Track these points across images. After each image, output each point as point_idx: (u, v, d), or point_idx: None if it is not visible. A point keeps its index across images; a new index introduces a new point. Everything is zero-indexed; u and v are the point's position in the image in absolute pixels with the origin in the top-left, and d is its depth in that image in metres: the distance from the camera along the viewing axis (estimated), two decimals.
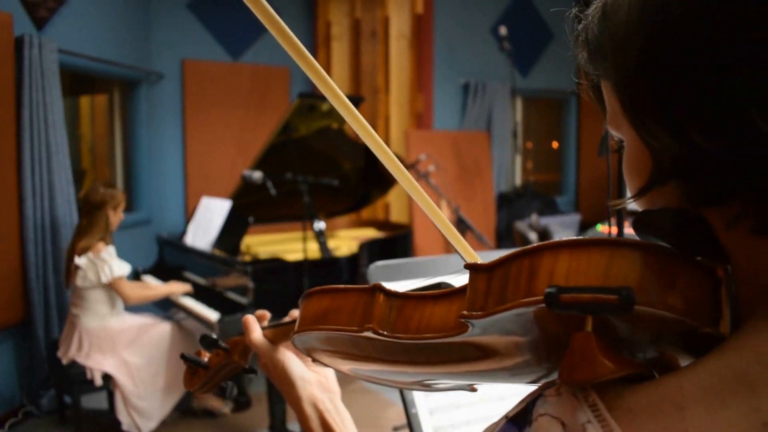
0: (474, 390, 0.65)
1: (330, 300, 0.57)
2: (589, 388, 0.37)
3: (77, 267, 2.93)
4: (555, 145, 6.83)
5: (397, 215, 5.32)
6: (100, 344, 2.95)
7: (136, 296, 3.01)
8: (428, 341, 0.48)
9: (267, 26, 0.50)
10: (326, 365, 0.68)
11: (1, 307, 3.13)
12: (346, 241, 3.83)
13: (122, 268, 2.98)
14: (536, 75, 6.15)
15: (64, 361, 2.94)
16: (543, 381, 0.47)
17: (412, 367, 0.55)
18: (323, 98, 3.48)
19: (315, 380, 0.77)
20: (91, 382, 2.91)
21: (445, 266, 1.12)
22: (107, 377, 2.93)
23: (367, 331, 0.51)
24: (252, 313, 0.85)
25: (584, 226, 5.67)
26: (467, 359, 0.50)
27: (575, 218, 5.92)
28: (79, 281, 2.93)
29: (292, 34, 0.51)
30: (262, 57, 5.16)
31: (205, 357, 0.85)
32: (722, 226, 0.39)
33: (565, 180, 6.76)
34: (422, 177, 3.93)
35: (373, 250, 3.50)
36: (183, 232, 3.63)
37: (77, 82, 4.37)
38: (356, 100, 3.76)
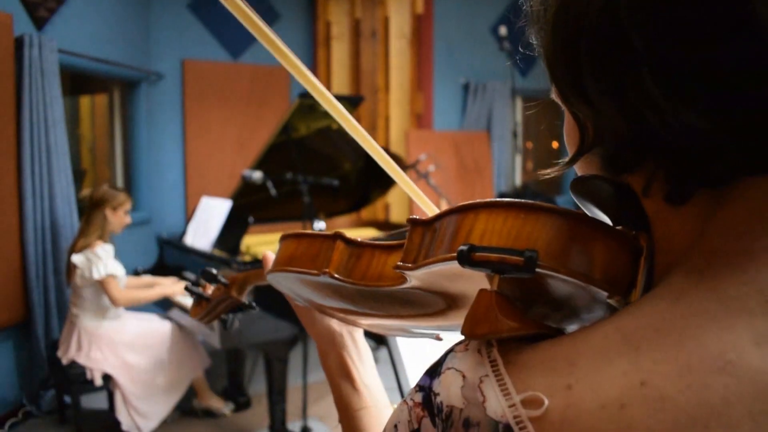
0: (440, 339, 0.68)
1: (297, 244, 0.60)
2: (493, 344, 0.38)
3: (74, 265, 2.94)
4: (555, 145, 6.83)
5: (397, 215, 5.32)
6: (100, 344, 2.95)
7: (124, 299, 2.96)
8: (376, 288, 0.50)
9: (248, 28, 0.52)
10: (317, 309, 0.72)
11: (1, 307, 3.13)
12: None
13: (115, 269, 2.97)
14: (536, 75, 6.15)
15: (64, 361, 2.94)
16: None
17: (376, 316, 0.58)
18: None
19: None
20: (91, 382, 2.91)
21: None
22: (107, 377, 2.93)
23: (324, 275, 0.54)
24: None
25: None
26: (425, 312, 0.52)
27: None
28: (77, 279, 2.94)
29: (272, 33, 0.53)
30: (262, 57, 5.15)
31: (209, 290, 0.90)
32: (641, 194, 0.40)
33: (565, 180, 6.76)
34: (422, 177, 3.92)
35: None
36: (183, 232, 3.63)
37: (77, 82, 4.37)
38: (356, 100, 3.76)
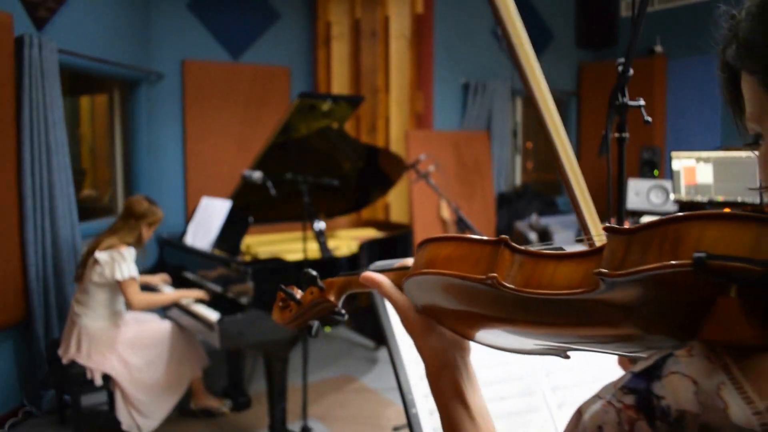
0: (567, 357, 0.65)
1: (453, 247, 0.58)
2: (723, 351, 0.39)
3: (96, 261, 2.93)
4: None
5: (397, 215, 5.31)
6: (100, 344, 2.95)
7: (141, 301, 2.97)
8: (548, 297, 0.50)
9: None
10: (431, 317, 0.69)
11: (1, 307, 3.13)
12: (346, 241, 3.83)
13: (136, 271, 2.97)
14: None
15: (64, 361, 2.94)
16: (646, 353, 0.48)
17: (521, 325, 0.56)
18: (323, 98, 3.48)
19: (450, 336, 0.73)
20: (91, 382, 2.91)
21: None
22: (107, 377, 2.93)
23: (490, 280, 0.53)
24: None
25: (584, 226, 5.66)
26: (578, 323, 0.51)
27: (575, 218, 5.92)
28: (95, 276, 2.93)
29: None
30: (262, 57, 5.16)
31: (298, 293, 0.86)
32: None
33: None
34: (422, 177, 3.92)
35: (373, 250, 3.50)
36: (183, 232, 3.63)
37: (77, 82, 4.37)
38: (356, 100, 3.75)
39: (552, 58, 6.20)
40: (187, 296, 3.12)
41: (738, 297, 0.37)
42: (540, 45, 6.14)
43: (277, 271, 3.01)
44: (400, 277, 0.72)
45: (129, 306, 2.98)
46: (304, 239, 3.01)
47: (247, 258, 3.27)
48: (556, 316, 0.52)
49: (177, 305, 3.19)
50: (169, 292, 3.19)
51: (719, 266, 0.36)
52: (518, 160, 6.26)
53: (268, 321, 2.90)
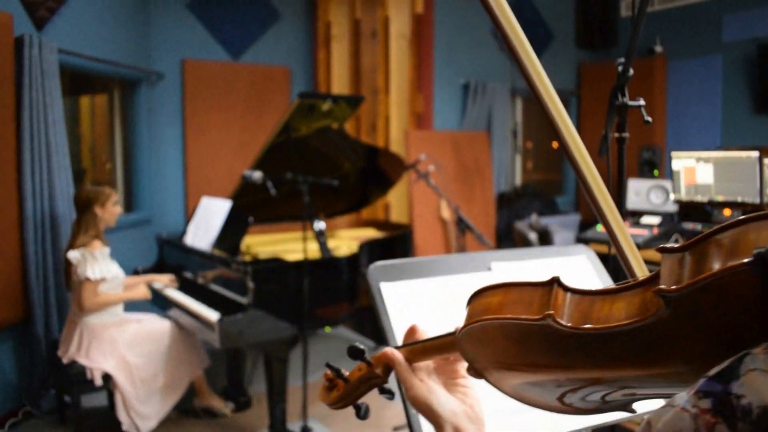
0: (633, 411, 0.62)
1: (503, 294, 0.58)
2: None
3: (69, 263, 2.94)
4: (555, 145, 6.83)
5: (397, 215, 5.31)
6: (100, 343, 2.95)
7: (92, 305, 2.93)
8: (607, 331, 0.48)
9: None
10: (485, 378, 0.65)
11: (1, 307, 3.13)
12: (346, 241, 3.83)
13: (101, 273, 2.94)
14: None
15: (65, 361, 2.94)
16: None
17: (580, 371, 0.54)
18: (323, 98, 3.48)
19: (460, 409, 0.72)
20: (91, 382, 2.91)
21: (446, 266, 1.11)
22: (107, 377, 2.93)
23: (548, 319, 0.51)
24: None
25: (584, 226, 5.66)
26: (643, 361, 0.49)
27: (575, 218, 5.92)
28: (74, 277, 2.94)
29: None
30: (262, 57, 5.15)
31: (346, 372, 0.81)
32: None
33: (565, 180, 6.76)
34: (422, 177, 3.92)
35: (373, 250, 3.50)
36: (183, 232, 3.63)
37: (77, 82, 4.36)
38: (356, 100, 3.75)
39: (552, 58, 6.20)
40: (133, 297, 3.12)
41: None
42: (540, 45, 6.13)
43: (277, 271, 3.01)
44: (422, 350, 0.72)
45: (79, 306, 2.94)
46: (304, 239, 3.01)
47: (247, 258, 3.26)
48: (616, 356, 0.50)
49: (176, 305, 3.20)
50: (120, 294, 3.11)
51: None
52: (518, 160, 6.26)
53: (268, 321, 2.90)
